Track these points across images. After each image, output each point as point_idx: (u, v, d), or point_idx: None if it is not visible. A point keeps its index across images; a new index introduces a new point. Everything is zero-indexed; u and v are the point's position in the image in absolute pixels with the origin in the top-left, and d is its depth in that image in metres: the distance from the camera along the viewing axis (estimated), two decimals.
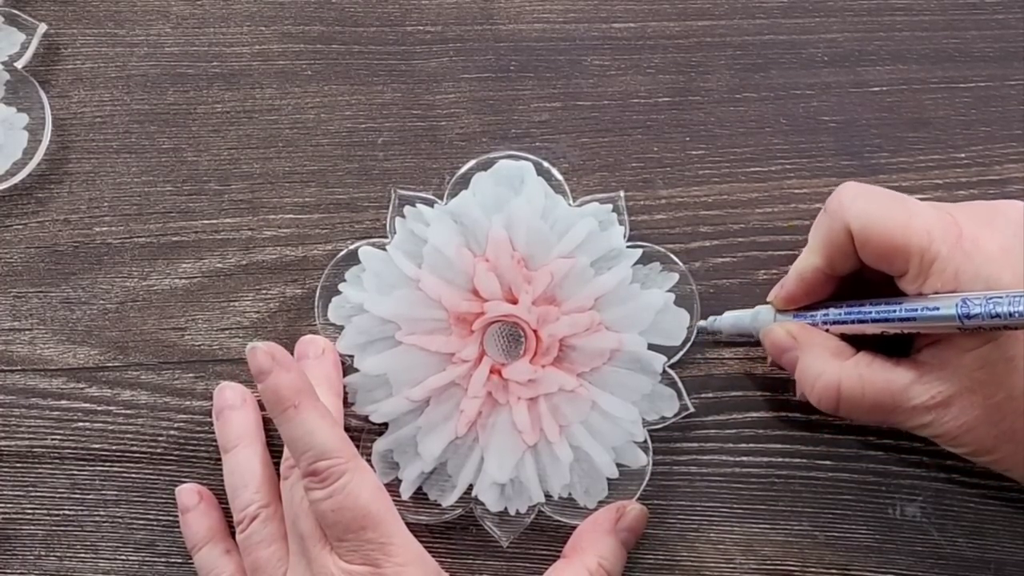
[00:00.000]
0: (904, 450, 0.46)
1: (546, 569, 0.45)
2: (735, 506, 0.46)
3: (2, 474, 0.48)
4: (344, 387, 0.46)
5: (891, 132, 0.48)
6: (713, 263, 0.47)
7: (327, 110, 0.49)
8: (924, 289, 0.40)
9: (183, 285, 0.48)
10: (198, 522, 0.46)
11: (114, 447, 0.47)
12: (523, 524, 0.46)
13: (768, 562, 0.46)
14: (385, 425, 0.46)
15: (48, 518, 0.47)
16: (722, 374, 0.47)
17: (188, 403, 0.48)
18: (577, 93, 0.48)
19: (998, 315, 0.37)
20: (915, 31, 0.48)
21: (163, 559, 0.47)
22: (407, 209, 0.46)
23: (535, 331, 0.45)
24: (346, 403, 0.46)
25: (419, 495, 0.46)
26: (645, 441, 0.46)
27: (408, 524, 0.43)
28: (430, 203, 0.47)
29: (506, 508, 0.46)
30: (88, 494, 0.47)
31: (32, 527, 0.47)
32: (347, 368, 0.47)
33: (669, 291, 0.46)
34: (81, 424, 0.48)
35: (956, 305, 0.38)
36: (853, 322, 0.42)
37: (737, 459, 0.46)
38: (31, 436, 0.48)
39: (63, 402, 0.48)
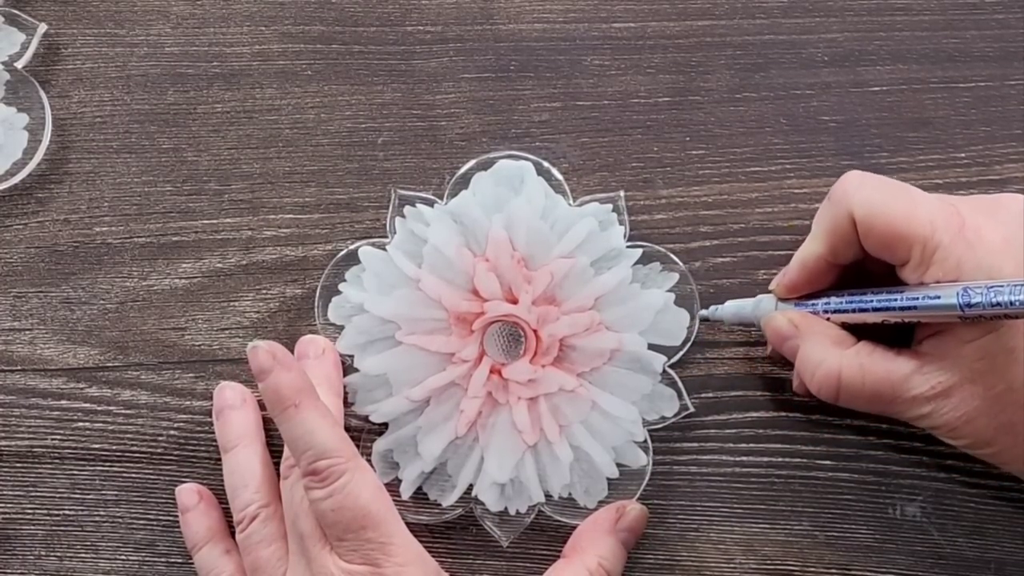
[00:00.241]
0: (904, 450, 0.46)
1: (546, 569, 0.45)
2: (735, 506, 0.46)
3: (2, 474, 0.48)
4: (344, 387, 0.46)
5: (891, 132, 0.48)
6: (713, 263, 0.47)
7: (327, 110, 0.49)
8: (925, 278, 0.40)
9: (183, 285, 0.48)
10: (198, 522, 0.46)
11: (114, 447, 0.47)
12: (523, 524, 0.46)
13: (768, 562, 0.46)
14: (385, 425, 0.46)
15: (48, 518, 0.47)
16: (722, 374, 0.47)
17: (188, 403, 0.48)
18: (577, 93, 0.48)
19: (999, 304, 0.37)
20: (915, 31, 0.48)
21: (163, 559, 0.47)
22: (407, 209, 0.46)
23: (535, 331, 0.45)
24: (346, 403, 0.46)
25: (419, 495, 0.46)
26: (645, 441, 0.46)
27: (408, 524, 0.43)
28: (430, 203, 0.47)
29: (506, 508, 0.46)
30: (88, 494, 0.47)
31: (32, 527, 0.47)
32: (347, 368, 0.47)
33: (669, 291, 0.46)
34: (81, 424, 0.48)
35: (957, 294, 0.38)
36: (854, 310, 0.42)
37: (737, 459, 0.46)
38: (31, 436, 0.48)
39: (63, 402, 0.48)
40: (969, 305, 0.38)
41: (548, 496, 0.46)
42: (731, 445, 0.46)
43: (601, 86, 0.48)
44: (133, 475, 0.47)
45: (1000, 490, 0.46)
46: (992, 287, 0.38)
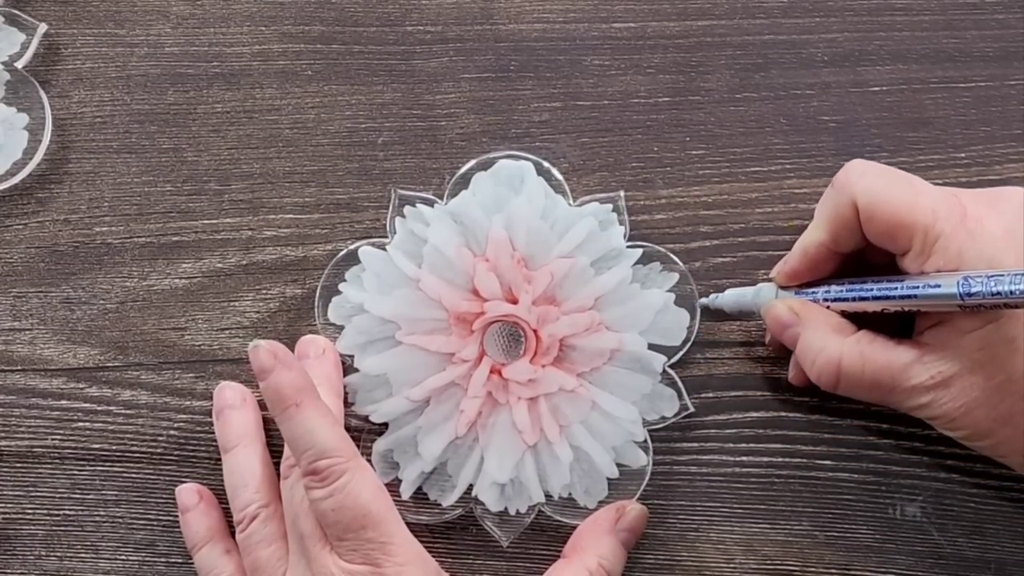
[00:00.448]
0: (904, 450, 0.46)
1: (546, 569, 0.45)
2: (735, 506, 0.46)
3: (2, 474, 0.48)
4: (344, 387, 0.46)
5: (891, 132, 0.48)
6: (713, 263, 0.47)
7: (327, 110, 0.49)
8: (926, 267, 0.40)
9: (183, 285, 0.48)
10: (198, 522, 0.46)
11: (114, 447, 0.47)
12: (523, 524, 0.46)
13: (768, 562, 0.46)
14: (385, 425, 0.46)
15: (48, 518, 0.47)
16: (722, 374, 0.47)
17: (188, 403, 0.48)
18: (577, 93, 0.48)
19: (999, 293, 0.37)
20: (915, 31, 0.48)
21: (163, 559, 0.47)
22: (407, 209, 0.46)
23: (535, 331, 0.45)
24: (346, 403, 0.46)
25: (419, 495, 0.46)
26: (645, 441, 0.46)
27: (408, 524, 0.43)
28: (430, 203, 0.47)
29: (506, 508, 0.46)
30: (88, 494, 0.47)
31: (32, 527, 0.47)
32: (347, 368, 0.47)
33: (669, 291, 0.46)
34: (81, 424, 0.48)
35: (957, 283, 0.38)
36: (855, 299, 0.42)
37: (737, 459, 0.46)
38: (31, 436, 0.48)
39: (63, 402, 0.48)
40: (969, 294, 0.38)
41: (548, 496, 0.46)
42: (731, 445, 0.46)
43: (601, 86, 0.48)
44: (133, 475, 0.47)
45: (1000, 490, 0.46)
46: (992, 276, 0.38)
